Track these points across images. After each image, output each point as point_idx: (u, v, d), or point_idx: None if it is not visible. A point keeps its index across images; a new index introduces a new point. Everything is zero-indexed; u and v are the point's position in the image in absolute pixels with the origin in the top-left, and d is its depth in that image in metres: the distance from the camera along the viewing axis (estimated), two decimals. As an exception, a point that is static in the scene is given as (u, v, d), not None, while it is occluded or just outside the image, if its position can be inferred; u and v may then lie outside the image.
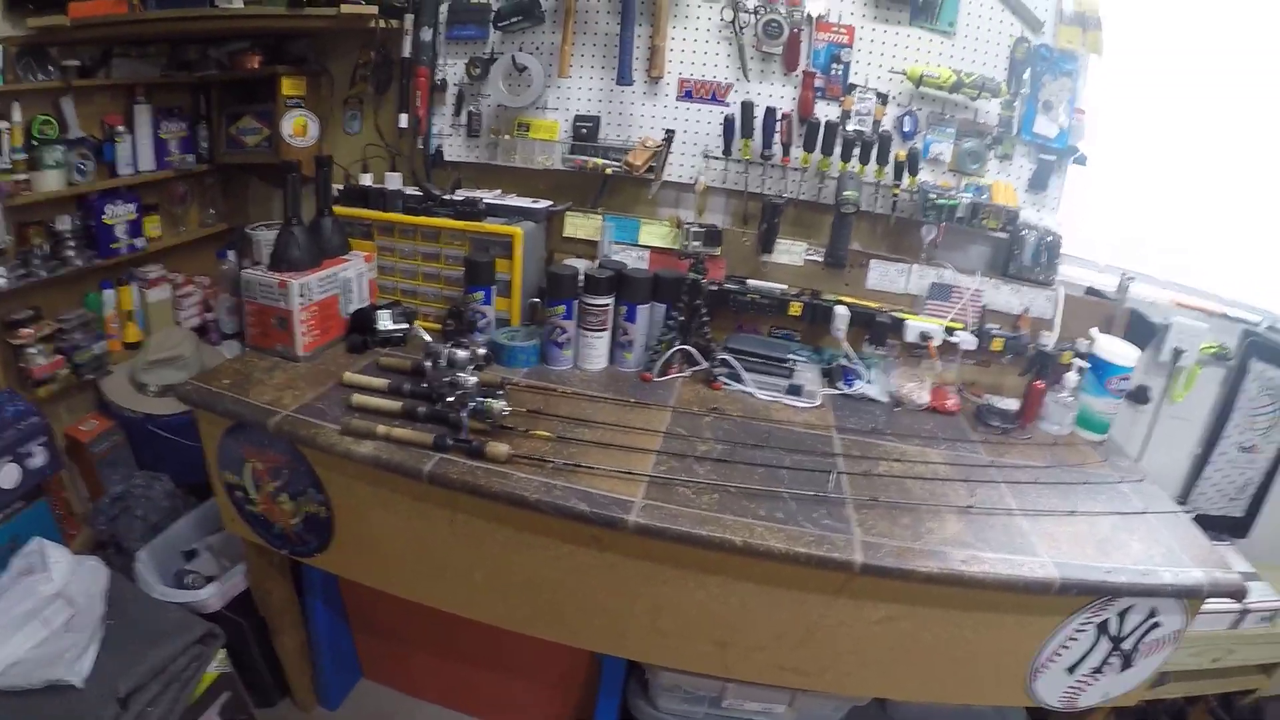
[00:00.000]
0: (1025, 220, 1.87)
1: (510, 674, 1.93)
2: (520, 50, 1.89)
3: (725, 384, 1.75)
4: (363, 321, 1.73)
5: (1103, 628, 1.40)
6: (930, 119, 1.82)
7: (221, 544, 1.87)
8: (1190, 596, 1.37)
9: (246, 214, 2.26)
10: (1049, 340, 1.86)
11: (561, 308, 1.69)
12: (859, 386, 1.82)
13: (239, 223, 2.21)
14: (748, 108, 1.76)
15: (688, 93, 1.86)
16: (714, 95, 1.86)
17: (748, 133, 1.78)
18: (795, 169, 1.82)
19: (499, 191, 1.92)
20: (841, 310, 1.82)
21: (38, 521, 1.75)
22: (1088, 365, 1.80)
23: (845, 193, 1.71)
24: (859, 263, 1.90)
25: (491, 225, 1.76)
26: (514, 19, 1.84)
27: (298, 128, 1.98)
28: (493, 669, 1.93)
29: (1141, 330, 1.94)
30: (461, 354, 1.47)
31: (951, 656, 1.41)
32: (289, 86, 1.98)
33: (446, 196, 1.83)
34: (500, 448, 1.33)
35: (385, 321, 1.73)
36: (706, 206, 1.86)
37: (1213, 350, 2.05)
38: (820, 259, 1.89)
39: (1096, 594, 1.33)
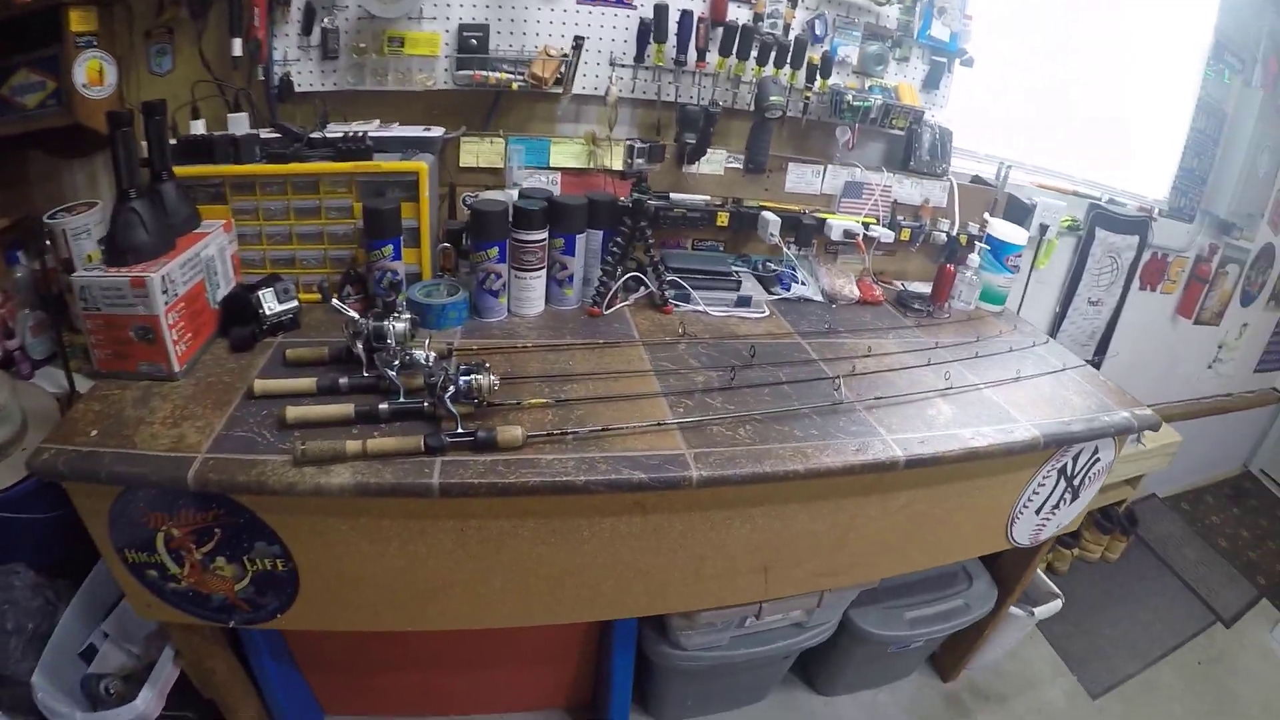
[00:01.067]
0: (924, 119, 1.94)
1: (494, 663, 1.75)
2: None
3: (675, 306, 1.65)
4: (241, 308, 1.36)
5: (1062, 471, 1.58)
6: (837, 23, 1.79)
7: (120, 626, 1.44)
8: (1124, 432, 1.57)
9: (32, 200, 1.66)
10: (950, 227, 1.98)
11: (494, 250, 1.46)
12: (796, 289, 1.81)
13: (26, 212, 1.62)
14: (661, 10, 1.61)
15: (591, -5, 1.66)
16: (620, -2, 1.68)
17: (661, 37, 1.63)
18: (709, 74, 1.71)
19: (377, 122, 1.60)
20: (771, 216, 1.78)
21: None
22: (987, 246, 1.94)
23: (772, 98, 1.63)
24: (777, 167, 1.87)
25: (386, 163, 1.46)
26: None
27: (93, 73, 1.49)
28: (472, 663, 1.73)
29: (1017, 211, 2.13)
30: (400, 325, 1.23)
31: (953, 524, 1.54)
32: (78, 20, 1.45)
33: (315, 134, 1.49)
34: (514, 431, 1.10)
35: (271, 302, 1.37)
36: (617, 119, 1.70)
37: (1068, 223, 2.32)
38: (740, 166, 1.82)
39: (1065, 443, 1.49)
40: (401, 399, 1.16)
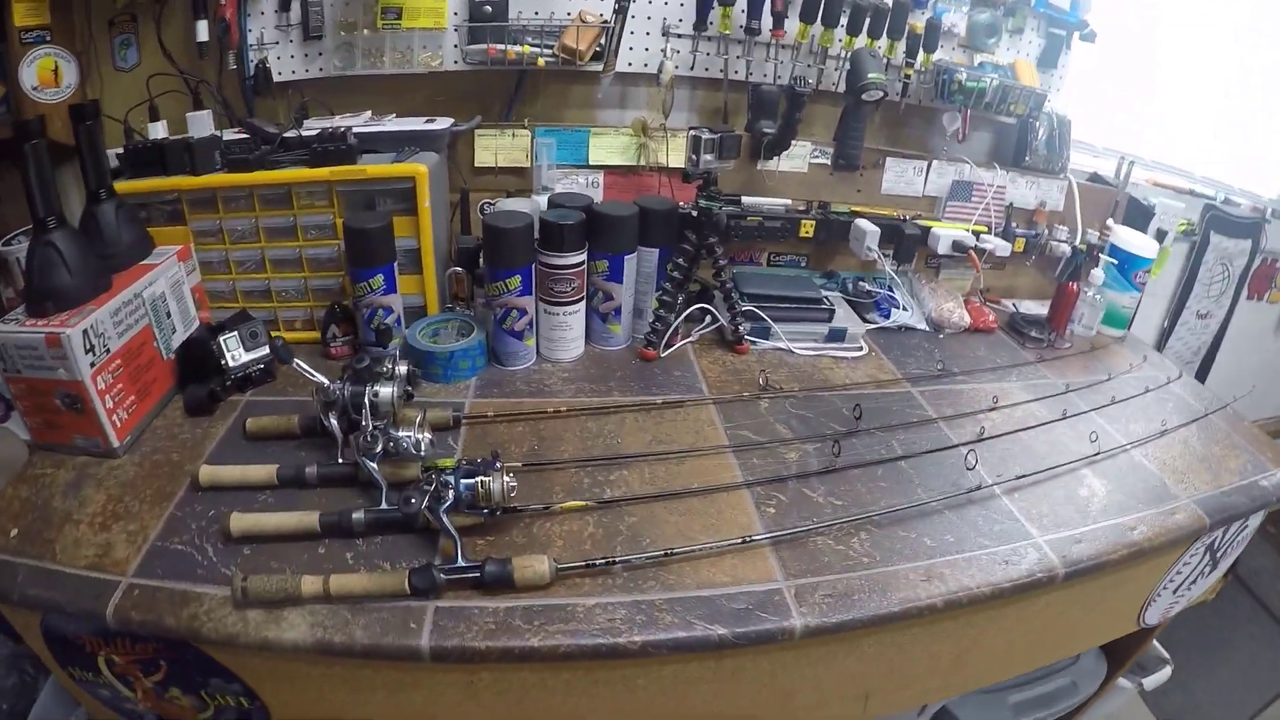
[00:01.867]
0: (1043, 105, 1.60)
1: None
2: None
3: (751, 343, 1.31)
4: (199, 358, 1.06)
5: (1210, 546, 1.33)
6: (941, -17, 1.44)
7: None
8: None
9: (6, 224, 1.34)
10: (1071, 235, 1.64)
11: (515, 279, 1.12)
12: (896, 316, 1.47)
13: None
14: (730, -37, 1.25)
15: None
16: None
17: (728, 0, 1.28)
18: (788, 45, 1.36)
19: (369, 114, 1.26)
20: (868, 225, 1.43)
21: None
22: (1112, 260, 1.61)
23: (871, 75, 1.27)
24: (872, 163, 1.52)
25: (374, 167, 1.12)
26: None
27: (45, 73, 1.17)
28: None
29: (1138, 215, 1.79)
30: (386, 391, 0.91)
31: (1088, 616, 1.27)
32: (24, 14, 1.14)
33: (289, 133, 1.16)
34: (537, 567, 0.77)
35: (236, 350, 1.06)
36: (673, 104, 1.35)
37: (1184, 228, 1.98)
38: (826, 161, 1.48)
39: (1227, 521, 1.21)
40: (383, 506, 0.84)
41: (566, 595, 0.78)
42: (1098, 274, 1.59)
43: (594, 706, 0.87)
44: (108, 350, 0.92)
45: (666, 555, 0.83)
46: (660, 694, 0.88)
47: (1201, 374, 2.35)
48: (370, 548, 0.83)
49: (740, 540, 0.87)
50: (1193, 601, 2.35)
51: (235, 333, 1.08)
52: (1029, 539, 0.99)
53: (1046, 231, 1.63)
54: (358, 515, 0.83)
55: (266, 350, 1.10)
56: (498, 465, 0.82)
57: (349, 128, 1.17)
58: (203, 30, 1.19)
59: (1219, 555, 1.37)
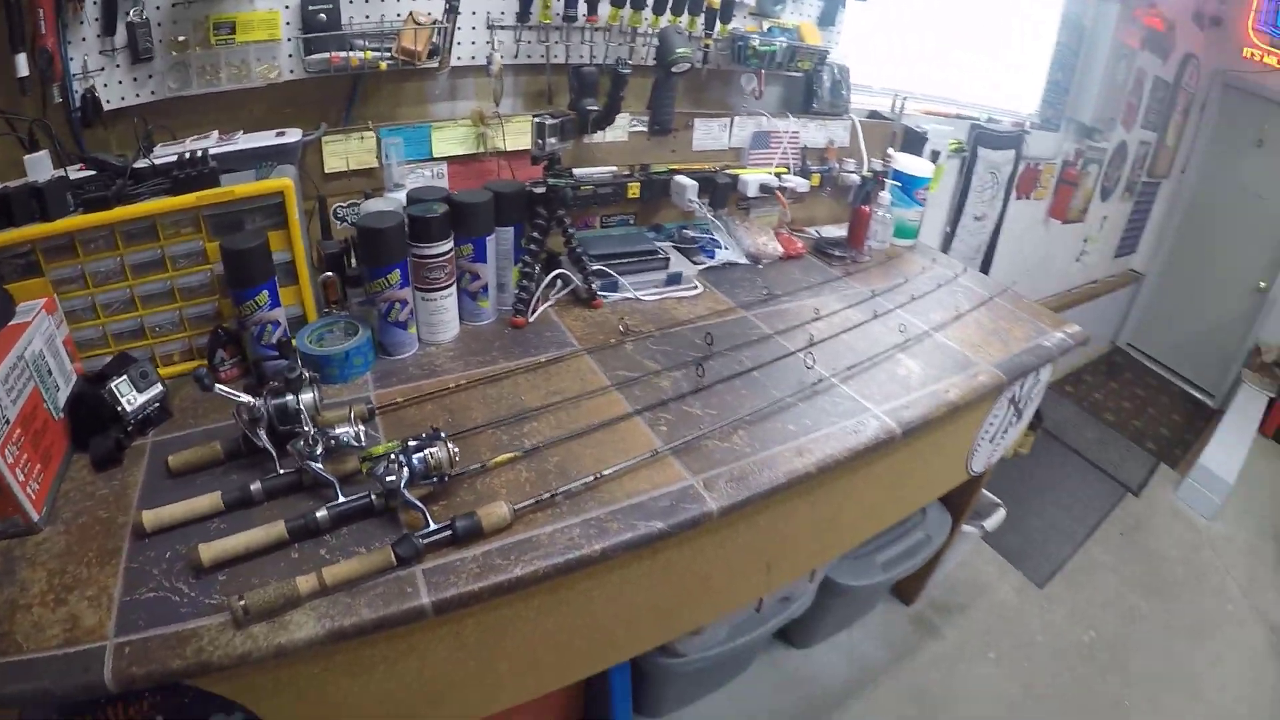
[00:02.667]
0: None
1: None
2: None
3: (604, 298, 1.50)
4: (93, 411, 1.05)
5: (1012, 399, 1.64)
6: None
7: None
8: (1063, 353, 1.62)
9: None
10: (858, 166, 1.92)
11: (395, 274, 1.23)
12: (721, 255, 1.71)
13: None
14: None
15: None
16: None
17: (546, -9, 1.41)
18: (601, 28, 1.51)
19: (216, 134, 1.28)
20: (687, 180, 1.64)
21: None
22: (896, 183, 1.90)
23: (678, 50, 1.45)
24: (683, 125, 1.72)
25: (241, 187, 1.16)
26: None
27: None
28: None
29: (913, 141, 2.11)
30: (309, 397, 1.00)
31: (926, 471, 1.59)
32: None
33: (140, 163, 1.16)
34: (499, 511, 0.92)
35: (130, 393, 1.06)
36: (503, 91, 1.47)
37: (955, 146, 2.33)
38: (644, 129, 1.65)
39: (1022, 376, 1.53)
40: (340, 501, 0.92)
41: (527, 530, 0.94)
42: (885, 196, 1.89)
43: (561, 623, 1.05)
44: (7, 421, 0.88)
45: (596, 479, 1.01)
46: (611, 600, 1.07)
47: (985, 266, 2.78)
48: (339, 540, 0.90)
49: (650, 455, 1.06)
50: (1010, 452, 2.81)
51: (125, 376, 1.08)
52: (869, 412, 1.26)
53: (837, 165, 1.90)
54: (321, 513, 0.89)
55: (160, 389, 1.11)
56: (441, 435, 0.94)
57: (205, 150, 1.19)
58: (22, 64, 1.14)
59: (1021, 406, 1.69)
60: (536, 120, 1.30)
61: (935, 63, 2.28)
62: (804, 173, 1.83)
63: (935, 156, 2.19)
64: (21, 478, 0.90)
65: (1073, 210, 3.04)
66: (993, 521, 2.21)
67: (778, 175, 1.77)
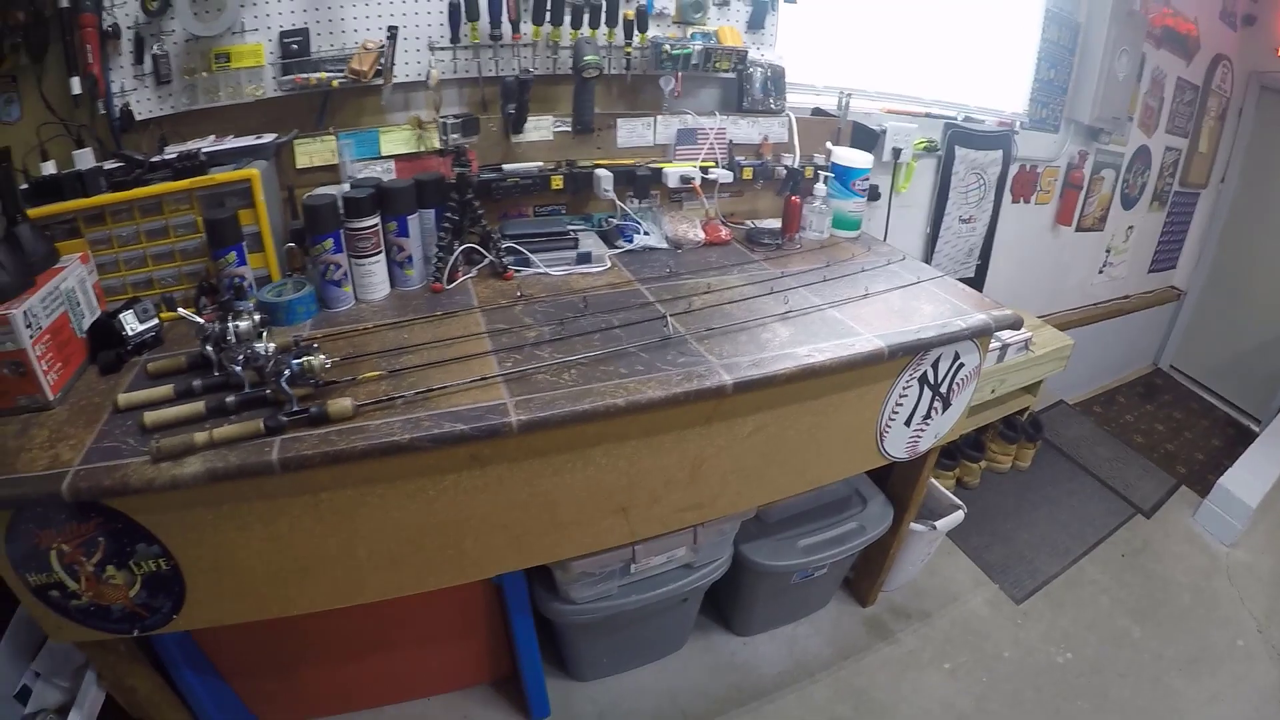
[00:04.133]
0: (752, 59, 2.00)
1: (409, 646, 1.84)
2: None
3: (517, 271, 1.74)
4: (106, 334, 1.45)
5: (923, 380, 1.65)
6: (650, -26, 1.85)
7: (49, 663, 1.51)
8: (981, 334, 1.65)
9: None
10: (791, 160, 2.06)
11: (329, 241, 1.56)
12: (639, 240, 1.89)
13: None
14: (465, -11, 1.68)
15: (398, -15, 1.73)
16: (426, -17, 1.74)
17: (473, 15, 1.71)
18: (527, 44, 1.79)
19: (213, 137, 1.70)
20: (603, 172, 1.86)
21: None
22: (831, 174, 2.02)
23: (586, 58, 1.70)
24: (606, 125, 1.94)
25: (219, 175, 1.55)
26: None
27: None
28: (389, 650, 1.83)
29: (864, 138, 2.20)
30: (244, 324, 1.32)
31: (814, 444, 1.60)
32: None
33: (155, 158, 1.58)
34: (343, 402, 1.20)
35: (133, 323, 1.46)
36: (442, 101, 1.78)
37: (923, 145, 2.38)
38: (569, 129, 1.90)
39: (914, 351, 1.56)
40: (247, 390, 1.26)
41: (363, 421, 1.21)
42: (820, 187, 2.00)
43: (405, 519, 1.30)
44: (40, 327, 1.28)
45: (429, 391, 1.26)
46: (451, 504, 1.31)
47: (980, 271, 2.72)
48: (240, 420, 1.20)
49: (480, 379, 1.30)
50: (1007, 464, 2.69)
51: (131, 310, 1.48)
52: (706, 363, 1.37)
53: (773, 160, 2.05)
54: (230, 399, 1.22)
55: (156, 323, 1.49)
56: (314, 347, 1.25)
57: (199, 149, 1.60)
58: (76, 85, 1.60)
59: (945, 392, 1.70)
60: (441, 120, 1.59)
61: (900, 61, 2.34)
62: (732, 166, 1.99)
63: (898, 154, 2.26)
64: (45, 368, 1.27)
65: (1087, 217, 2.91)
66: (947, 522, 2.17)
67: (704, 169, 1.95)
